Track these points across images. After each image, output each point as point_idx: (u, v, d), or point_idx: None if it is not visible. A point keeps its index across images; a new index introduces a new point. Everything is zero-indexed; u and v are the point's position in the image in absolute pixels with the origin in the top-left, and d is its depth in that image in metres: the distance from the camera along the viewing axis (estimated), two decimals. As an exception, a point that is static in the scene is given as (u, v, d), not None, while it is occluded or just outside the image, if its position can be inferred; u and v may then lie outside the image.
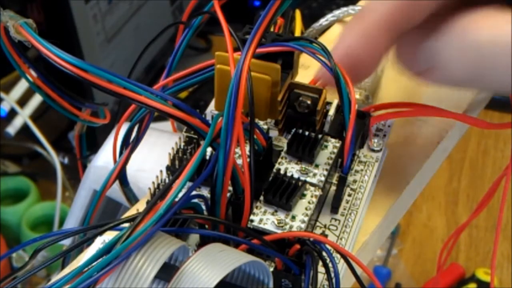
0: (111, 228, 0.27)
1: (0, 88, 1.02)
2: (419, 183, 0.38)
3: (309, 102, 0.34)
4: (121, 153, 0.33)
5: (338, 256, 0.31)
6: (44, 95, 0.34)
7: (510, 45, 0.29)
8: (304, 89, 0.34)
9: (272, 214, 0.31)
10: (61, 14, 0.93)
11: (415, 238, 1.07)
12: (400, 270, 1.03)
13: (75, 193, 0.57)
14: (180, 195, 0.27)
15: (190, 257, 0.26)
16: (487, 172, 1.15)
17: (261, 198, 0.31)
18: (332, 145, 0.33)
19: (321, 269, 0.29)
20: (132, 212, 0.36)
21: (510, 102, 0.39)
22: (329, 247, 0.29)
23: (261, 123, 0.36)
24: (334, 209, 0.33)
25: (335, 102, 0.34)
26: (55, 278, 0.26)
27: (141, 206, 0.36)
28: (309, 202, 0.31)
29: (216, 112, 0.34)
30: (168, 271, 0.26)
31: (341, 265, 0.31)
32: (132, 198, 0.37)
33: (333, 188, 0.34)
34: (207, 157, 0.30)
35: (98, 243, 0.30)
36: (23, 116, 1.02)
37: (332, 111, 0.34)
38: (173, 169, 0.33)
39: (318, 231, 0.33)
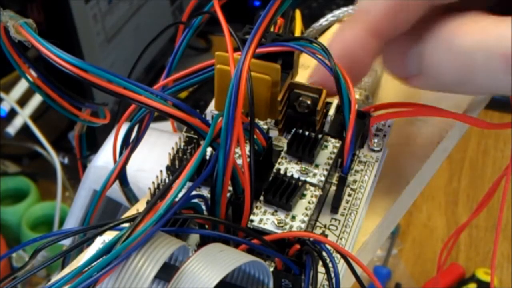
0: (111, 228, 0.27)
1: (0, 88, 1.02)
2: (419, 183, 0.38)
3: (309, 102, 0.34)
4: (121, 153, 0.33)
5: (338, 256, 0.31)
6: (44, 95, 0.34)
7: (497, 48, 0.29)
8: (304, 89, 0.34)
9: (272, 214, 0.31)
10: (61, 14, 0.93)
11: (415, 238, 1.07)
12: (400, 270, 1.03)
13: (75, 193, 0.57)
14: (180, 195, 0.27)
15: (190, 257, 0.26)
16: (487, 172, 1.15)
17: (261, 198, 0.31)
18: (332, 145, 0.33)
19: (321, 269, 0.29)
20: (132, 212, 0.36)
21: (510, 102, 0.39)
22: (329, 247, 0.29)
23: (261, 123, 0.36)
24: (334, 209, 0.33)
25: (335, 102, 0.34)
26: (55, 278, 0.26)
27: (141, 206, 0.36)
28: (309, 202, 0.31)
29: (216, 112, 0.34)
30: (168, 271, 0.26)
31: (341, 265, 0.31)
32: (132, 198, 0.37)
33: (333, 188, 0.34)
34: (207, 157, 0.30)
35: (98, 243, 0.30)
36: (23, 116, 1.02)
37: (332, 111, 0.34)
38: (173, 169, 0.33)
39: (318, 231, 0.33)
